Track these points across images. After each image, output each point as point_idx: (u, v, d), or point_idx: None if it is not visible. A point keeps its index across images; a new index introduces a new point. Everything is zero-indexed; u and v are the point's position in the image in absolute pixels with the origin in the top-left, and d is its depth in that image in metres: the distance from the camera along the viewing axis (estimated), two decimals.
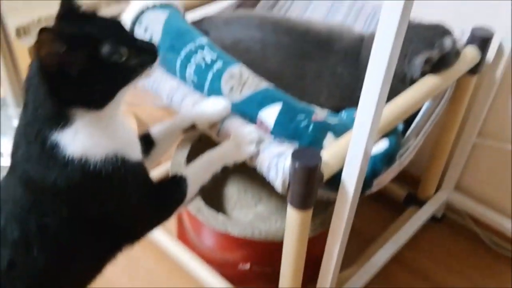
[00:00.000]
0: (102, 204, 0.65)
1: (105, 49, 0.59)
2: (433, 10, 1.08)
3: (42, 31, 0.54)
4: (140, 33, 0.97)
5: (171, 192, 0.72)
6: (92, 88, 0.60)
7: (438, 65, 0.92)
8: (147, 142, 0.78)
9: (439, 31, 0.95)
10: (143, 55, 0.63)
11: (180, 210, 0.99)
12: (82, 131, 0.61)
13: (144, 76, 0.64)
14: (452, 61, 0.95)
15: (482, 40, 1.00)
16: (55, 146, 0.61)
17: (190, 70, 0.89)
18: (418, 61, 0.91)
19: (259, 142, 0.77)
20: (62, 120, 0.60)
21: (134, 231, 0.71)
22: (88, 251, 0.68)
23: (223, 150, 0.76)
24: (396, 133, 0.87)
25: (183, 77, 0.91)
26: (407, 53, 0.93)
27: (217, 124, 0.83)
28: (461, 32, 1.03)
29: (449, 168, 1.25)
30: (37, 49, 0.56)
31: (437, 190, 1.28)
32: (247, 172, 1.15)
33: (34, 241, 0.63)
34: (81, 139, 0.61)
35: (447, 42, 0.93)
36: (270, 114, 0.81)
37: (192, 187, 0.73)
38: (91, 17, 0.63)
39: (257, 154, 0.76)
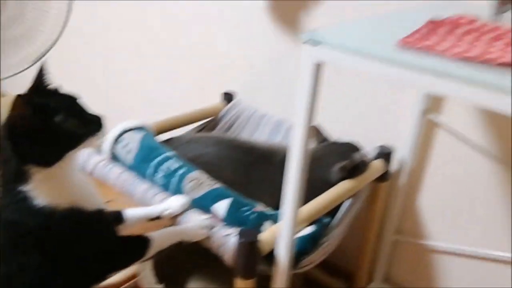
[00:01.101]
0: (67, 247, 0.81)
1: (58, 118, 0.77)
2: (352, 132, 1.39)
3: (17, 97, 0.74)
4: (120, 150, 1.23)
5: (135, 247, 0.91)
6: (45, 149, 0.77)
7: (351, 173, 1.21)
8: (118, 217, 0.98)
9: (351, 147, 1.25)
10: (90, 126, 0.83)
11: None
12: (42, 185, 0.79)
13: (90, 143, 0.83)
14: (362, 170, 1.23)
15: (386, 154, 1.30)
16: (25, 198, 0.78)
17: (159, 175, 1.14)
18: (335, 169, 1.19)
19: (211, 227, 1.00)
20: (24, 175, 0.78)
21: (97, 273, 0.87)
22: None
23: (184, 228, 0.98)
24: (321, 223, 1.12)
25: (153, 181, 1.15)
26: (328, 163, 1.21)
27: (178, 216, 1.05)
28: (371, 148, 1.33)
29: (378, 262, 1.47)
30: (11, 110, 0.74)
31: (369, 282, 1.49)
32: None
33: (15, 277, 0.78)
34: (43, 192, 0.78)
35: (357, 156, 1.23)
36: (221, 207, 1.05)
37: (153, 249, 0.93)
38: (55, 92, 0.83)
39: (209, 236, 0.99)
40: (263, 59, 1.58)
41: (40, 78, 0.83)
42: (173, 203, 1.05)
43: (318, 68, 0.78)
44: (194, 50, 1.76)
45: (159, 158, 1.17)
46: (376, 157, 1.31)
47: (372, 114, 1.38)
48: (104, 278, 0.90)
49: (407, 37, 0.77)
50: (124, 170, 1.18)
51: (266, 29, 1.52)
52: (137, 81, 2.00)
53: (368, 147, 1.32)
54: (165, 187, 1.13)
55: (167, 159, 1.16)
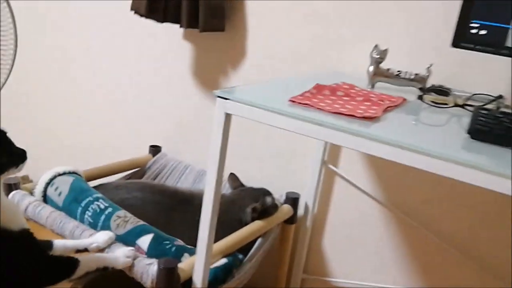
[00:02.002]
0: None
1: None
2: (264, 179, 1.57)
3: None
4: (51, 192, 1.33)
5: (63, 266, 1.01)
6: None
7: (262, 214, 1.38)
8: (47, 245, 1.08)
9: (263, 192, 1.43)
10: (15, 157, 0.96)
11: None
12: None
13: (13, 172, 0.96)
14: (272, 212, 1.41)
15: (293, 200, 1.49)
16: None
17: (88, 214, 1.25)
18: (248, 211, 1.36)
19: (135, 257, 1.11)
20: None
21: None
22: None
23: (110, 255, 1.09)
24: (234, 256, 1.26)
25: (82, 220, 1.26)
26: (242, 206, 1.38)
27: (104, 249, 1.16)
28: (280, 194, 1.52)
29: None
30: None
31: None
32: None
33: None
34: None
35: (268, 200, 1.41)
36: (145, 241, 1.18)
37: (80, 270, 1.02)
38: None
39: (133, 265, 1.11)
40: (187, 114, 1.76)
41: None
42: (100, 237, 1.16)
43: (227, 118, 0.97)
44: (125, 105, 1.91)
45: (88, 199, 1.28)
46: (285, 202, 1.49)
47: (281, 163, 1.58)
48: None
49: (297, 96, 0.98)
50: (54, 210, 1.28)
51: (191, 87, 1.71)
52: (70, 130, 2.10)
53: (278, 193, 1.51)
54: (94, 225, 1.24)
55: (96, 199, 1.28)
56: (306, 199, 1.52)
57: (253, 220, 1.36)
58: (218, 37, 1.61)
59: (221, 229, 1.29)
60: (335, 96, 1.03)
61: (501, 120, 0.87)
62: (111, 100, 1.95)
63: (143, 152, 1.79)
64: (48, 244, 1.08)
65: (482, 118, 0.87)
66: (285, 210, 1.47)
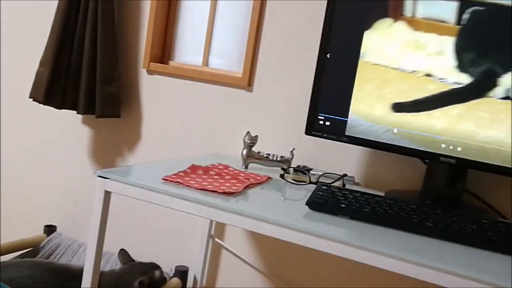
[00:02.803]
0: None
1: None
2: (153, 254, 1.66)
3: None
4: None
5: None
6: None
7: (150, 287, 1.45)
8: None
9: (151, 266, 1.51)
10: None
11: None
12: None
13: None
14: (160, 285, 1.48)
15: (182, 272, 1.58)
16: None
17: None
18: (136, 285, 1.43)
19: None
20: None
21: None
22: None
23: None
24: None
25: None
26: (131, 279, 1.45)
27: None
28: (170, 269, 1.60)
29: None
30: None
31: None
32: None
33: None
34: None
35: (156, 273, 1.49)
36: None
37: None
38: None
39: None
40: (84, 194, 1.83)
41: None
42: None
43: (106, 195, 1.08)
44: (22, 184, 1.94)
45: None
46: (174, 275, 1.58)
47: (171, 239, 1.68)
48: None
49: (171, 175, 1.11)
50: None
51: (88, 168, 1.80)
52: None
53: (168, 267, 1.59)
54: None
55: None
56: (195, 271, 1.62)
57: None
58: (114, 122, 1.74)
59: None
60: (207, 175, 1.18)
61: (335, 194, 1.06)
62: (9, 178, 1.98)
63: (39, 231, 1.81)
64: None
65: (320, 192, 1.05)
66: (174, 283, 1.55)
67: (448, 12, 1.12)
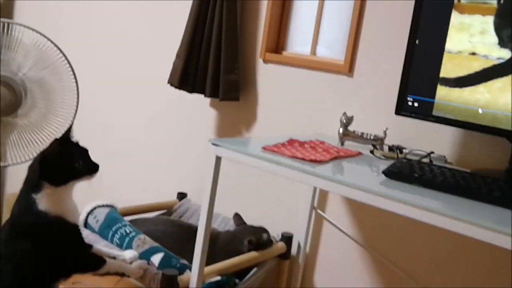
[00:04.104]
0: (50, 245, 1.23)
1: (77, 164, 1.28)
2: (263, 220, 1.87)
3: (55, 140, 1.25)
4: (91, 220, 1.70)
5: (95, 260, 1.33)
6: (59, 175, 1.26)
7: (257, 247, 1.67)
8: (89, 245, 1.41)
9: (260, 229, 1.73)
10: (91, 169, 1.31)
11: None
12: (46, 197, 1.24)
13: (87, 178, 1.30)
14: (267, 246, 1.70)
15: (287, 238, 1.78)
16: (33, 202, 1.24)
17: (117, 237, 1.60)
18: (245, 243, 1.66)
19: (146, 269, 1.43)
20: (39, 187, 1.24)
21: (65, 270, 1.29)
22: (38, 275, 1.23)
23: (128, 265, 1.42)
24: (229, 278, 1.56)
25: (111, 241, 1.61)
26: (241, 238, 1.68)
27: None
28: (277, 234, 1.81)
29: None
30: (48, 147, 1.26)
31: None
32: None
33: (11, 257, 1.21)
34: (45, 201, 1.24)
35: (264, 235, 1.71)
36: (157, 258, 1.50)
37: (104, 269, 1.34)
38: (76, 144, 1.33)
39: (144, 274, 1.43)
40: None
41: (68, 133, 1.34)
42: (126, 254, 1.49)
43: (217, 160, 1.31)
44: (159, 159, 2.31)
45: (117, 225, 1.64)
46: (280, 240, 1.78)
47: (279, 207, 1.89)
48: (67, 276, 1.30)
49: (270, 145, 1.31)
50: (91, 233, 1.64)
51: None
52: (113, 174, 2.51)
53: (275, 233, 1.80)
54: (120, 245, 1.58)
55: (124, 226, 1.63)
56: (299, 239, 1.80)
57: (249, 251, 1.66)
58: (234, 105, 2.00)
59: (223, 256, 1.60)
60: (302, 147, 1.36)
61: (412, 165, 1.16)
62: (151, 151, 2.36)
63: (173, 196, 2.15)
64: (90, 245, 1.43)
65: (398, 164, 1.17)
66: (280, 246, 1.75)
67: None
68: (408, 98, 1.35)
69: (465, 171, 1.16)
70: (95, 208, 1.74)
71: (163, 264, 1.49)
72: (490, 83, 1.21)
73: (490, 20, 1.19)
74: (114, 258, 1.45)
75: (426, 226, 1.51)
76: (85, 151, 1.35)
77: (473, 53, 1.21)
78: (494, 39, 1.18)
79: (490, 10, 1.18)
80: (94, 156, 1.37)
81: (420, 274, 1.55)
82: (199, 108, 2.13)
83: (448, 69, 1.28)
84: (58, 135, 1.42)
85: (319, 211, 1.78)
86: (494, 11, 1.18)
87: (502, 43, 1.16)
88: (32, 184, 1.27)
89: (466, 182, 1.07)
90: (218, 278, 1.52)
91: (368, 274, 1.68)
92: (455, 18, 1.23)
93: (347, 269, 1.73)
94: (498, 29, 1.16)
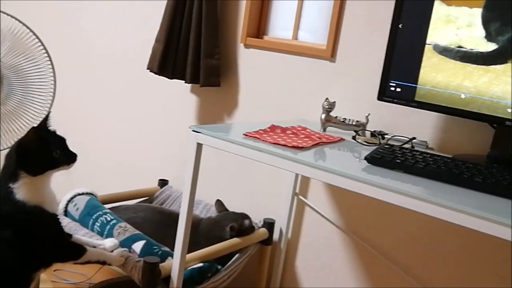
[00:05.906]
0: (29, 234, 1.22)
1: (55, 153, 1.26)
2: (245, 206, 1.87)
3: (32, 128, 1.21)
4: (71, 208, 1.68)
5: (75, 249, 1.32)
6: (36, 164, 1.24)
7: (239, 233, 1.67)
8: (69, 235, 1.39)
9: (242, 215, 1.73)
10: (69, 158, 1.29)
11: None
12: (24, 186, 1.22)
13: (64, 168, 1.28)
14: (249, 232, 1.69)
15: (269, 224, 1.78)
16: (11, 192, 1.22)
17: (97, 225, 1.58)
18: (227, 229, 1.65)
19: (128, 257, 1.42)
20: (16, 177, 1.22)
21: (45, 260, 1.27)
22: (17, 265, 1.21)
23: (108, 254, 1.40)
24: (211, 264, 1.55)
25: (92, 229, 1.59)
26: (223, 225, 1.68)
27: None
28: (259, 220, 1.81)
29: None
30: (25, 135, 1.22)
31: None
32: None
33: None
34: (23, 191, 1.22)
35: (246, 222, 1.70)
36: (138, 246, 1.49)
37: (85, 257, 1.33)
38: (53, 133, 1.31)
39: (125, 262, 1.41)
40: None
41: (45, 121, 1.32)
42: (107, 243, 1.47)
43: (198, 147, 1.29)
44: (140, 145, 2.28)
45: (98, 213, 1.61)
46: (262, 226, 1.78)
47: (261, 193, 1.88)
48: (48, 265, 1.28)
49: (252, 132, 1.30)
50: (71, 221, 1.61)
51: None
52: (94, 162, 2.48)
53: (257, 219, 1.80)
54: (101, 233, 1.56)
55: (104, 214, 1.61)
56: (281, 225, 1.80)
57: (231, 237, 1.65)
58: (215, 91, 1.98)
59: (205, 243, 1.59)
60: (284, 134, 1.35)
61: (394, 151, 1.16)
62: (131, 138, 2.33)
63: (154, 183, 2.13)
64: (69, 234, 1.41)
65: (380, 150, 1.17)
66: (261, 232, 1.75)
67: None
68: (391, 83, 1.35)
69: (447, 157, 1.16)
70: (75, 196, 1.71)
71: (144, 251, 1.48)
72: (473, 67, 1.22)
73: (477, 12, 1.18)
74: (94, 247, 1.43)
75: (407, 212, 1.52)
76: (62, 140, 1.32)
77: (460, 47, 1.21)
78: (481, 32, 1.17)
79: (477, 3, 1.17)
80: (73, 144, 1.34)
81: (401, 258, 1.57)
82: (179, 94, 2.11)
83: (430, 56, 1.27)
84: (36, 123, 1.39)
85: (301, 197, 1.78)
86: (482, 3, 1.17)
87: (489, 37, 1.16)
88: (9, 173, 1.25)
89: (448, 167, 1.07)
90: (200, 264, 1.51)
91: (349, 259, 1.69)
92: (442, 9, 1.22)
93: (329, 255, 1.74)
94: (485, 22, 1.16)
